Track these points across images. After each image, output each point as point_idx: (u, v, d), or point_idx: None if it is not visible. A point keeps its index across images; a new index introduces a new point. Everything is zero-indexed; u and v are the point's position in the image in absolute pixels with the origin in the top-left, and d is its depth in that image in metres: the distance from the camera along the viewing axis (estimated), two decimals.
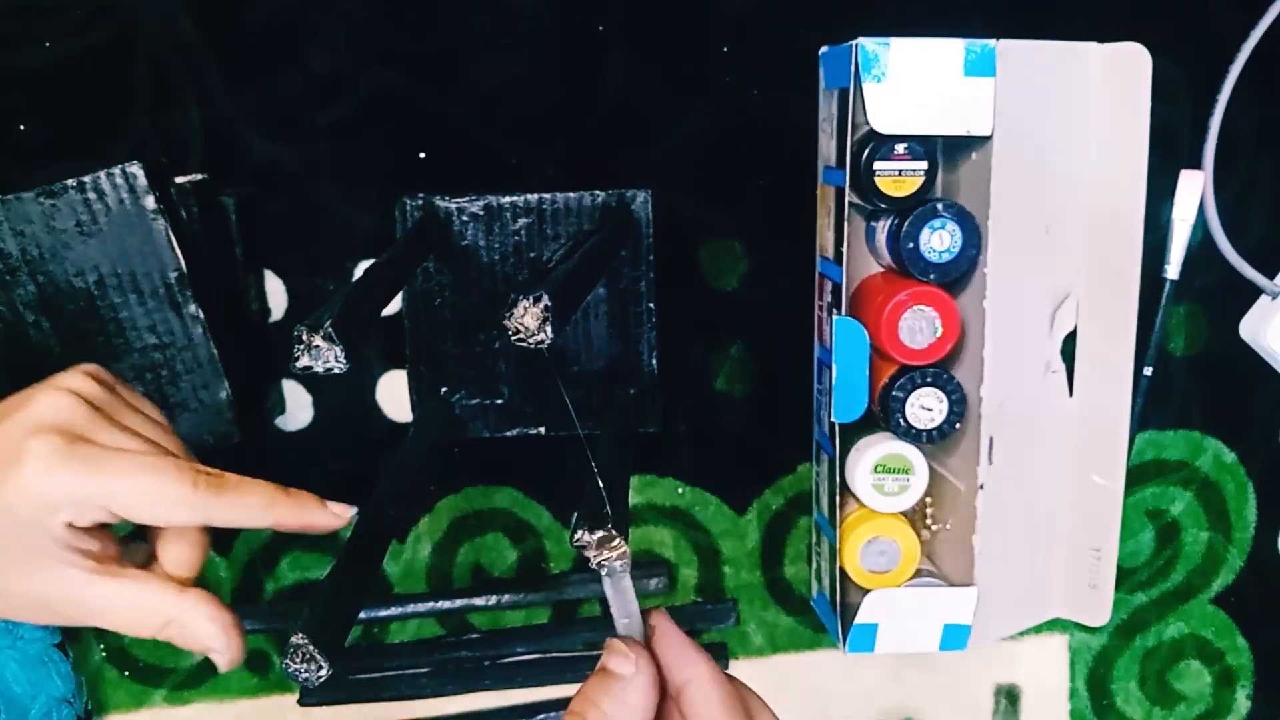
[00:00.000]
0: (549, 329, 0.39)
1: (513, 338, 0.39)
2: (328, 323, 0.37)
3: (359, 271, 0.56)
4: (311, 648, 0.38)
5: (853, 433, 0.54)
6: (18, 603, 0.36)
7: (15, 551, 0.35)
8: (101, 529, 0.37)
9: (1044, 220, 0.52)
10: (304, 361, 0.38)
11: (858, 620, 0.52)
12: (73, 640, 0.57)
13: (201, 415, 0.53)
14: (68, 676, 0.55)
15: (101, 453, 0.36)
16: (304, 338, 0.38)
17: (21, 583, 0.36)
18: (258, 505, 0.38)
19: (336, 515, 0.40)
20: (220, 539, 0.58)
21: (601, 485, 0.42)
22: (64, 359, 0.52)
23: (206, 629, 0.38)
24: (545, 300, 0.38)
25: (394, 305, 0.56)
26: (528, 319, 0.38)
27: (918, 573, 0.54)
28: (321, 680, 0.38)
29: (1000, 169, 0.49)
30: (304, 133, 0.55)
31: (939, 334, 0.51)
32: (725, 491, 0.59)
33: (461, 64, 0.55)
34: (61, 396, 0.37)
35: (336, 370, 0.38)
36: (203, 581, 0.57)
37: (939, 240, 0.50)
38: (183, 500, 0.36)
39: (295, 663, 0.38)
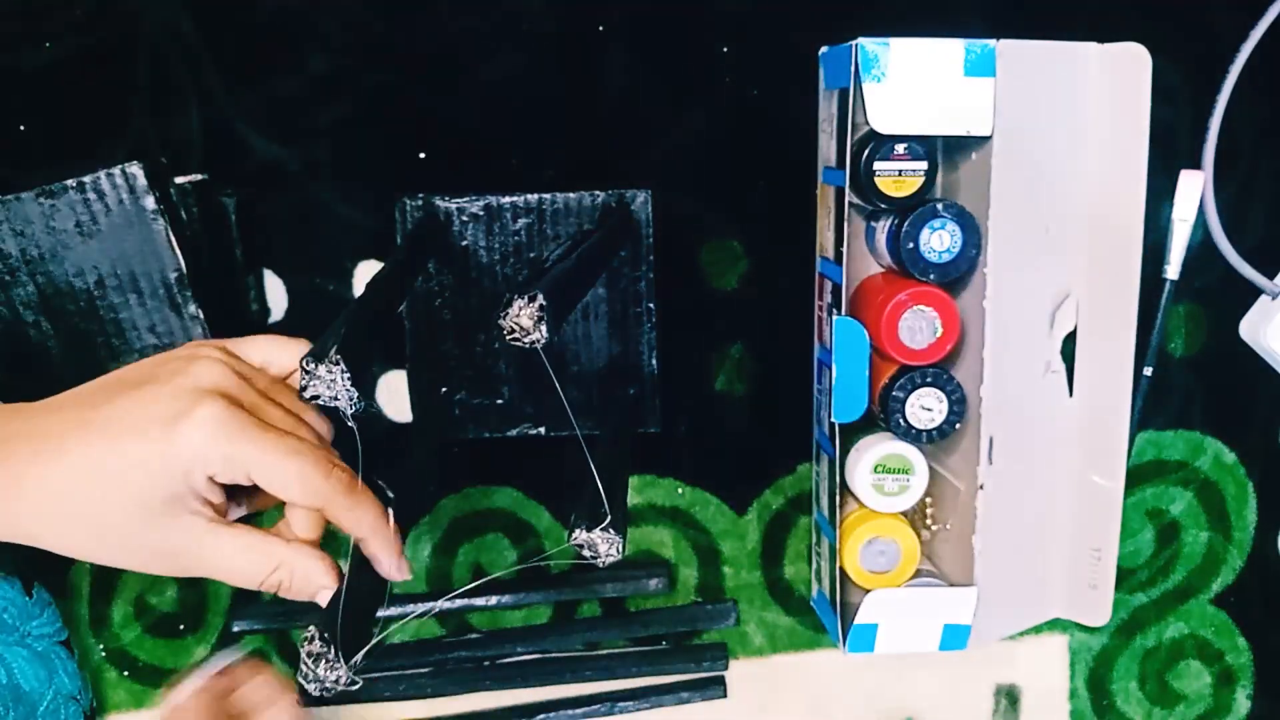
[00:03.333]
0: (544, 328, 0.38)
1: (508, 337, 0.38)
2: (333, 349, 0.37)
3: (359, 271, 0.56)
4: (331, 652, 0.37)
5: (853, 433, 0.54)
6: (146, 554, 0.38)
7: (154, 501, 0.37)
8: (223, 485, 0.40)
9: (1044, 220, 0.52)
10: (312, 391, 0.38)
11: (858, 620, 0.52)
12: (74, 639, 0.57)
13: None
14: (74, 674, 0.55)
15: (258, 426, 0.38)
16: (310, 368, 0.37)
17: (153, 532, 0.38)
18: (366, 521, 0.40)
19: (400, 571, 0.42)
20: None
21: (600, 485, 0.42)
22: (64, 359, 0.52)
23: (316, 569, 0.40)
24: (540, 299, 0.38)
25: None
26: (523, 318, 0.38)
27: (918, 573, 0.54)
28: (343, 687, 0.37)
29: (1000, 169, 0.49)
30: (304, 133, 0.55)
31: (939, 334, 0.51)
32: (725, 491, 0.59)
33: (461, 64, 0.55)
34: (218, 366, 0.39)
35: (348, 404, 0.38)
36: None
37: (939, 240, 0.50)
38: (315, 488, 0.39)
39: (314, 668, 0.37)
